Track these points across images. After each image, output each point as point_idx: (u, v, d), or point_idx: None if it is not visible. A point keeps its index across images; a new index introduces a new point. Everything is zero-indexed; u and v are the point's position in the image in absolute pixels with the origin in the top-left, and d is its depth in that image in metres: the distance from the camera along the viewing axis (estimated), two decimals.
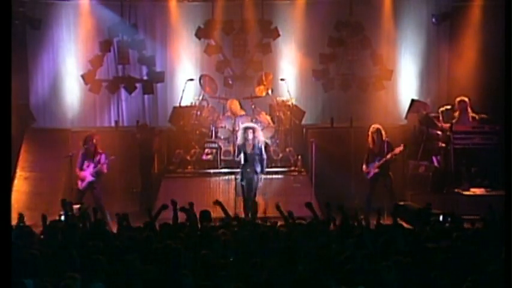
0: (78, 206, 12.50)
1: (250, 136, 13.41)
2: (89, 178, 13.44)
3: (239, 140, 13.69)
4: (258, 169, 13.47)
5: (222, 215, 10.07)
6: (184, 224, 9.62)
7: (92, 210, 10.33)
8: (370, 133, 13.78)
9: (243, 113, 15.81)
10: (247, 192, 13.43)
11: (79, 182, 13.53)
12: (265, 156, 13.68)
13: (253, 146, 13.47)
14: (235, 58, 17.18)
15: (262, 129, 14.88)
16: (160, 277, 7.17)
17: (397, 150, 13.65)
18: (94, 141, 13.49)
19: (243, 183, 13.44)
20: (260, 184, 13.66)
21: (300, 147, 15.84)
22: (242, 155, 13.41)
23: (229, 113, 15.80)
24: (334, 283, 6.99)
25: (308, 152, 15.13)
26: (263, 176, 13.80)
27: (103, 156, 13.51)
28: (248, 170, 13.43)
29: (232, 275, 7.16)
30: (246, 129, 13.55)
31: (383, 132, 13.74)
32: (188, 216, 9.75)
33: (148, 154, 15.81)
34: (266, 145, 14.45)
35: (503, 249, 7.59)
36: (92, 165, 13.45)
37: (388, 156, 13.57)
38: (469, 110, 14.44)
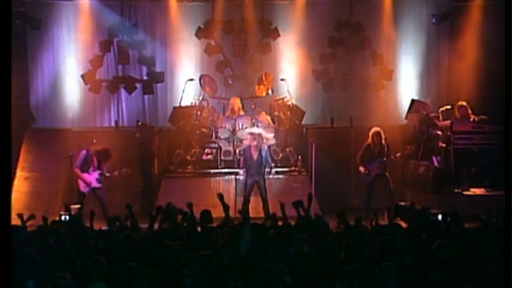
0: (77, 206, 12.49)
1: (255, 142, 13.69)
2: (95, 184, 13.45)
3: (244, 145, 14.06)
4: (263, 171, 13.80)
5: (222, 215, 10.04)
6: (183, 225, 9.60)
7: (89, 214, 10.16)
8: (370, 135, 14.01)
9: (242, 112, 15.82)
10: (260, 194, 13.70)
11: (81, 184, 13.47)
12: (270, 160, 14.02)
13: (259, 150, 13.71)
14: (235, 58, 17.16)
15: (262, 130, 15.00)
16: (160, 277, 7.16)
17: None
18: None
19: (249, 184, 13.74)
20: (266, 185, 13.91)
21: (300, 147, 15.84)
22: (247, 159, 13.73)
23: (229, 111, 15.79)
24: (337, 283, 7.00)
25: (308, 152, 15.14)
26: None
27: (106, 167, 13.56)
28: (253, 172, 13.68)
29: (232, 275, 7.15)
30: (250, 135, 13.86)
31: (383, 135, 13.97)
32: (185, 217, 9.72)
33: (149, 154, 15.79)
34: (270, 150, 14.54)
35: (503, 249, 7.59)
36: (97, 172, 13.45)
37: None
38: (470, 113, 14.43)
